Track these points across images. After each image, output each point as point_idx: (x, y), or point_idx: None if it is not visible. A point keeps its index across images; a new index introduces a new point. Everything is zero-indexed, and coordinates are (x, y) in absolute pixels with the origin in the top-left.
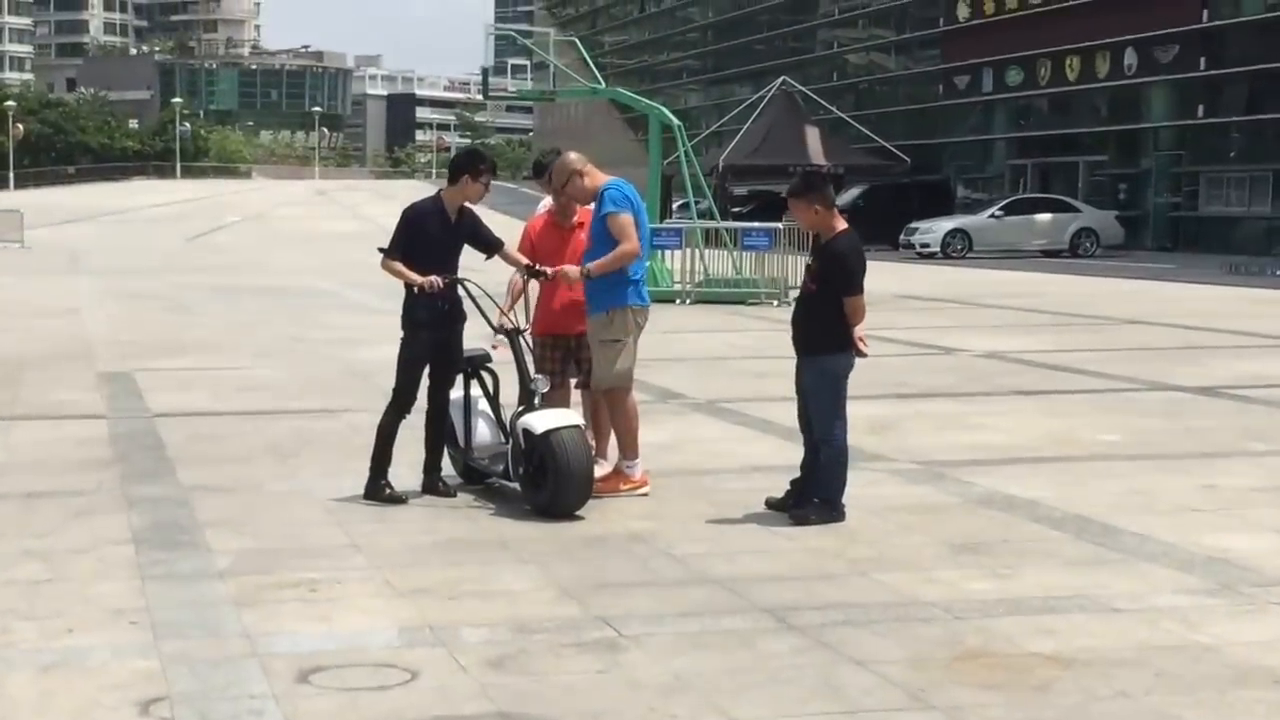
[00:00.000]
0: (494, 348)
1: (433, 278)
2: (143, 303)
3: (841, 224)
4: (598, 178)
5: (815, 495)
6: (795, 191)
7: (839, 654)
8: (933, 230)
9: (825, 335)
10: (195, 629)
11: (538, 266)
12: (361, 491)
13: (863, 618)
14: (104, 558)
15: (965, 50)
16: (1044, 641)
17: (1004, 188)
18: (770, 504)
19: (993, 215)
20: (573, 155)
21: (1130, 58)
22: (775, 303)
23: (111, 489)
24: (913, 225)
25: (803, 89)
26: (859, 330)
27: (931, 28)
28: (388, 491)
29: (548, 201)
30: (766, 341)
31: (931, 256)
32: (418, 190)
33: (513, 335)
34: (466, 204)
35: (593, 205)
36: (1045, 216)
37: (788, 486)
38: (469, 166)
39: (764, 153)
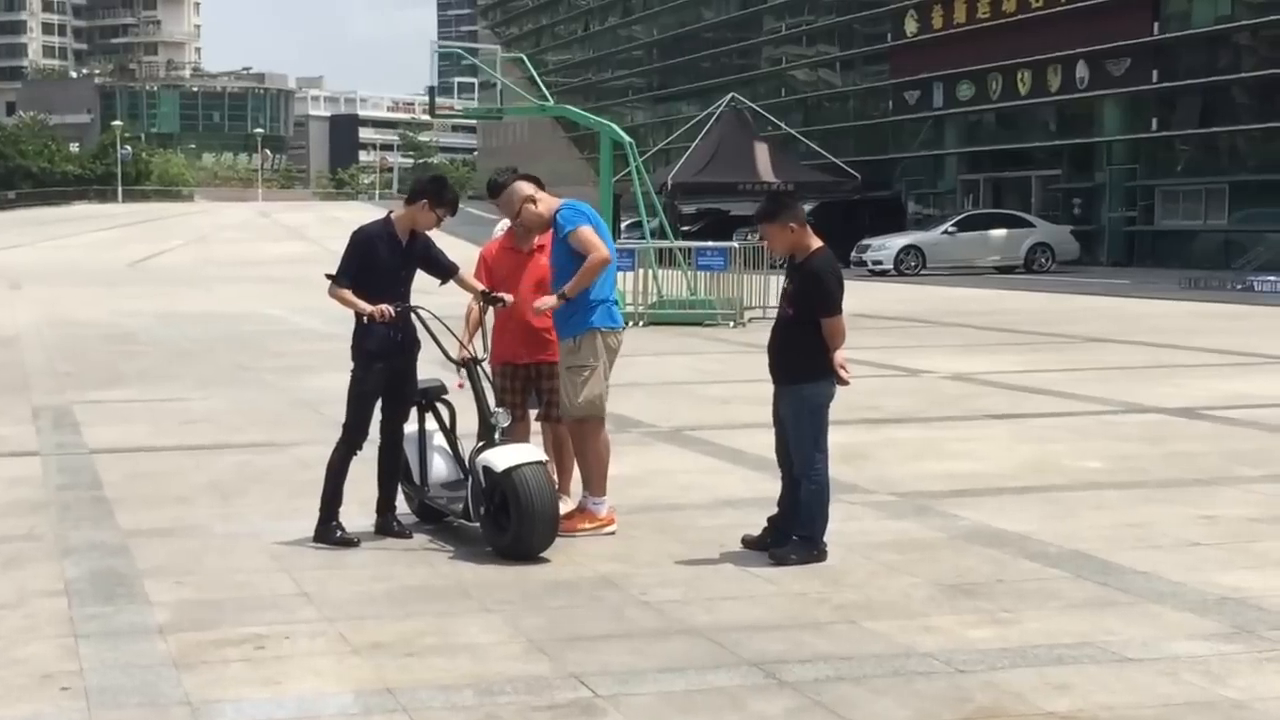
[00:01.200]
0: (459, 386)
1: (383, 306)
2: (82, 330)
3: (816, 242)
4: (550, 203)
5: (795, 533)
6: (768, 214)
7: (837, 715)
8: (885, 247)
9: (804, 362)
10: (133, 696)
11: (494, 293)
12: (311, 534)
13: (857, 672)
14: (33, 613)
15: (914, 65)
16: (1059, 699)
17: (956, 203)
18: (747, 542)
19: (946, 231)
20: (521, 183)
21: (1082, 71)
22: (731, 324)
23: (44, 534)
24: (865, 242)
25: (751, 105)
26: (839, 356)
27: (879, 43)
28: (339, 534)
29: (505, 224)
30: (726, 365)
31: (884, 274)
32: (363, 211)
33: (470, 366)
34: (417, 228)
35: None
36: (1000, 232)
37: (764, 524)
38: (433, 193)
39: (713, 170)
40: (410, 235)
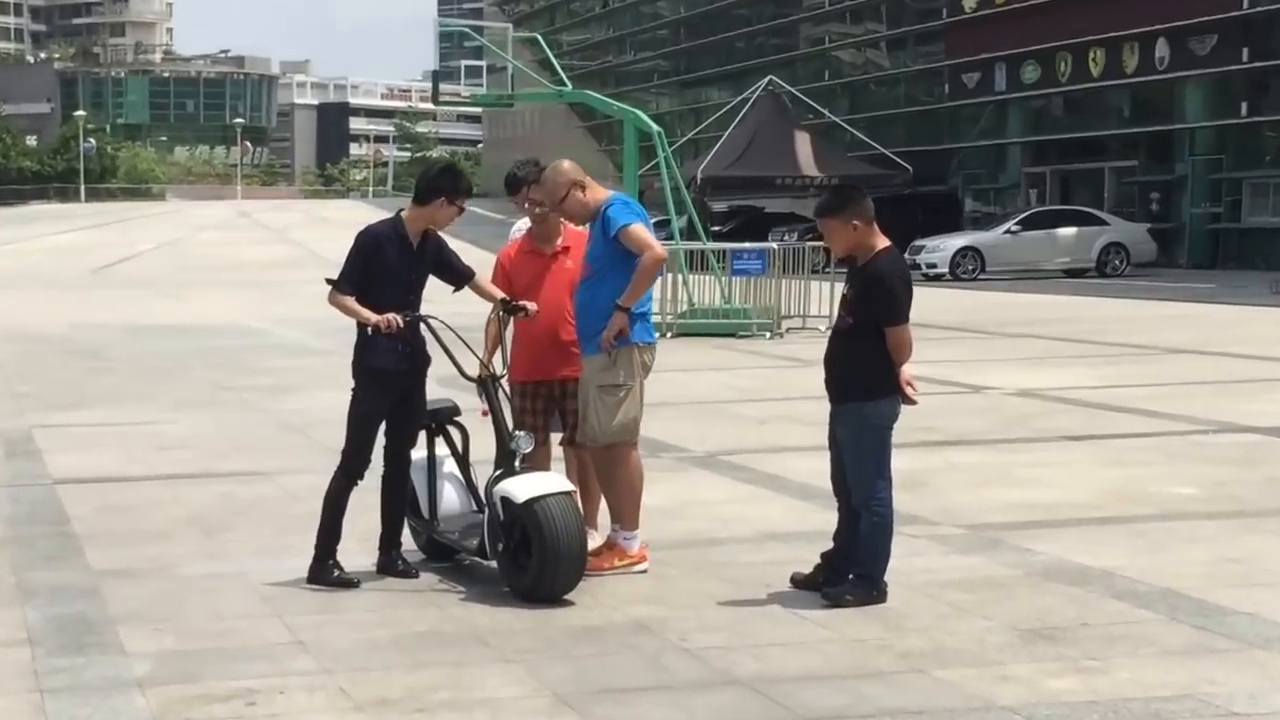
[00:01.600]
0: (483, 414)
1: (391, 315)
2: (41, 345)
3: (883, 241)
4: (598, 192)
5: (852, 571)
6: (831, 207)
7: None
8: (940, 249)
9: (866, 378)
10: None
11: (516, 301)
12: (305, 574)
13: None
14: None
15: (973, 44)
16: None
17: (1020, 199)
18: (797, 581)
19: (1008, 231)
20: (568, 164)
21: (1162, 49)
22: (768, 335)
23: (3, 576)
24: (917, 243)
25: (790, 89)
26: (906, 371)
27: (933, 19)
28: (337, 573)
29: (523, 224)
30: (765, 381)
31: (939, 278)
32: (354, 211)
33: (489, 383)
34: (432, 228)
35: (585, 227)
36: (1068, 231)
37: (816, 560)
38: (448, 187)
39: (747, 163)
40: (422, 236)
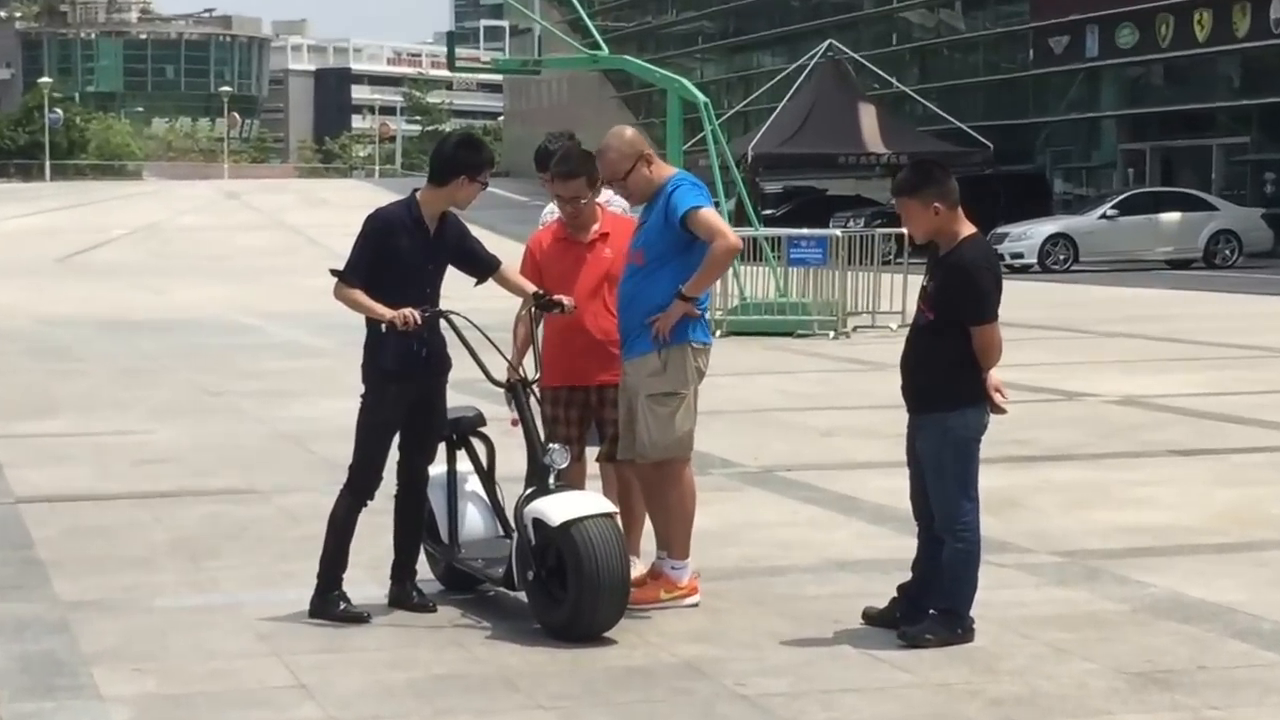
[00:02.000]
0: (513, 423)
1: (408, 310)
2: (2, 344)
3: (968, 228)
4: (663, 169)
5: (933, 605)
6: (909, 185)
7: None
8: (1027, 236)
9: (948, 384)
10: None
11: (551, 295)
12: (306, 607)
13: None
14: None
15: (1062, 3)
16: None
17: (1115, 180)
18: (870, 617)
19: (1104, 216)
20: (631, 132)
21: (1277, 10)
22: (831, 334)
23: None
24: (1000, 230)
25: (853, 55)
26: (993, 375)
27: None
28: (343, 606)
29: (553, 209)
30: (828, 386)
31: (1027, 269)
32: (358, 192)
33: (520, 389)
34: (452, 210)
35: (628, 210)
36: (1171, 217)
37: (892, 593)
38: (469, 162)
39: (805, 139)
40: (440, 221)
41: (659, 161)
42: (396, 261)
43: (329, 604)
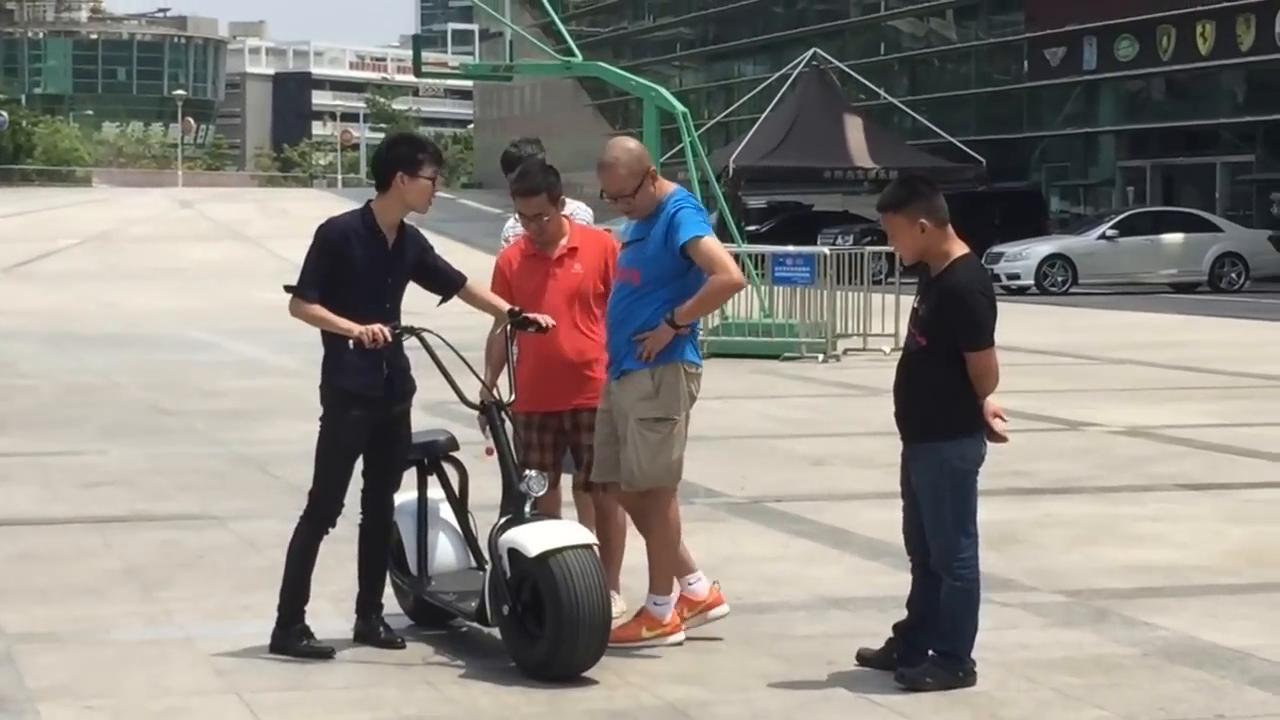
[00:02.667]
0: (488, 452)
1: (376, 327)
2: None
3: (960, 248)
4: (664, 185)
5: (931, 646)
6: (894, 201)
7: None
8: (1023, 256)
9: (943, 412)
10: None
11: (527, 313)
12: (266, 641)
13: None
14: None
15: (1058, 13)
16: None
17: (1114, 199)
18: (866, 658)
19: (1103, 236)
20: (637, 146)
21: None
22: (820, 357)
23: None
24: (995, 250)
25: (839, 65)
26: (992, 404)
27: None
28: (305, 642)
29: (515, 223)
30: (819, 412)
31: (1023, 291)
32: (319, 202)
33: (494, 412)
34: (408, 220)
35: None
36: (1174, 238)
37: (889, 633)
38: (403, 160)
39: (788, 151)
40: (399, 232)
41: (659, 176)
42: (352, 274)
43: (291, 638)
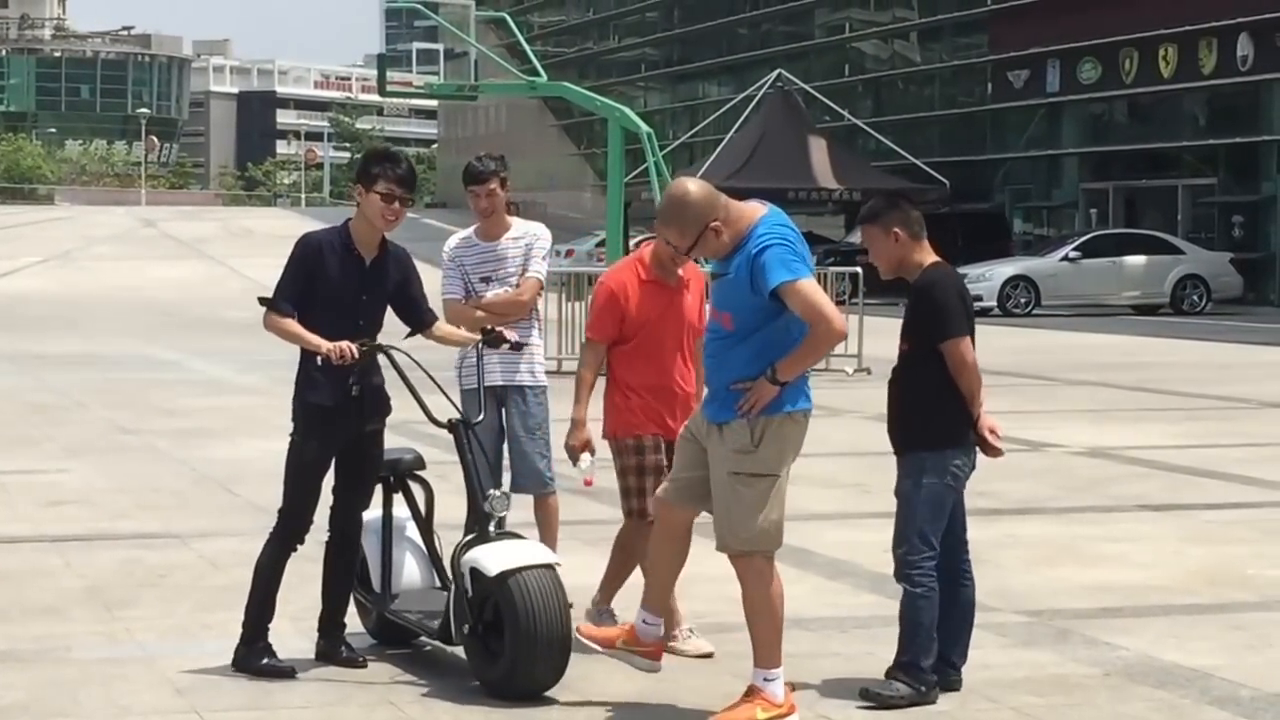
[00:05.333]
0: (587, 483)
1: (343, 344)
2: None
3: (932, 257)
4: (745, 215)
5: (955, 657)
6: (871, 214)
7: None
8: (986, 278)
9: (928, 422)
10: None
11: (498, 329)
12: (229, 660)
13: None
14: None
15: (1022, 36)
16: None
17: (1078, 221)
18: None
19: (1066, 258)
20: (696, 187)
21: (1245, 47)
22: None
23: None
24: (959, 271)
25: (804, 87)
26: (987, 419)
27: (975, 7)
28: (267, 660)
29: (460, 238)
30: None
31: (986, 312)
32: (284, 220)
33: (462, 431)
34: (400, 247)
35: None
36: (1136, 260)
37: (851, 653)
38: (360, 174)
39: (752, 172)
40: (381, 251)
41: (735, 207)
42: (325, 288)
43: (253, 656)
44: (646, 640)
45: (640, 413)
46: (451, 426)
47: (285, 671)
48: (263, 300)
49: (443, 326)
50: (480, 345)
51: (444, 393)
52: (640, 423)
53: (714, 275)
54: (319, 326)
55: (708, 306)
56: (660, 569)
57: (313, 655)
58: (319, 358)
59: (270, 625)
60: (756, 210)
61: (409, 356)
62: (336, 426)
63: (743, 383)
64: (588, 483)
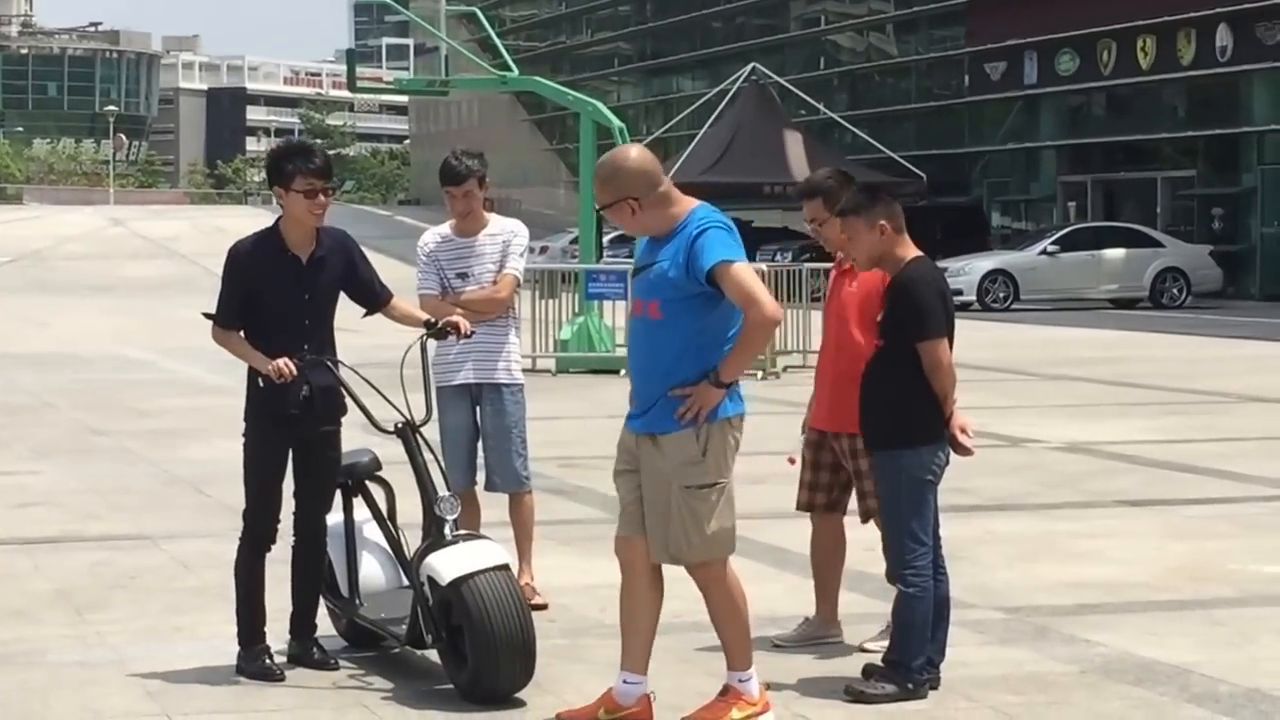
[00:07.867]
0: (791, 461)
1: (281, 362)
2: None
3: (913, 251)
4: (684, 203)
5: (884, 658)
6: (855, 205)
7: None
8: (965, 272)
9: (902, 419)
10: None
11: (441, 323)
12: (198, 662)
13: None
14: None
15: (999, 28)
16: None
17: (1055, 214)
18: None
19: (1044, 251)
20: (635, 157)
21: (1224, 38)
22: (759, 375)
23: None
24: (938, 265)
25: (778, 80)
26: (959, 416)
27: None
28: (266, 661)
29: (436, 233)
30: (757, 430)
31: (965, 307)
32: (254, 218)
33: (409, 434)
34: (344, 233)
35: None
36: (1116, 253)
37: (823, 653)
38: (273, 174)
39: (727, 167)
40: (316, 246)
41: (677, 193)
42: (266, 295)
43: (250, 659)
44: (628, 702)
45: (820, 407)
46: (398, 431)
47: (274, 675)
48: (208, 315)
49: (401, 304)
50: (424, 338)
51: (385, 397)
52: (820, 416)
53: (637, 269)
54: (267, 332)
55: (657, 303)
56: (639, 617)
57: (285, 658)
58: (260, 378)
59: (264, 628)
60: (695, 200)
61: (351, 368)
62: (286, 429)
63: (682, 389)
64: (791, 461)
